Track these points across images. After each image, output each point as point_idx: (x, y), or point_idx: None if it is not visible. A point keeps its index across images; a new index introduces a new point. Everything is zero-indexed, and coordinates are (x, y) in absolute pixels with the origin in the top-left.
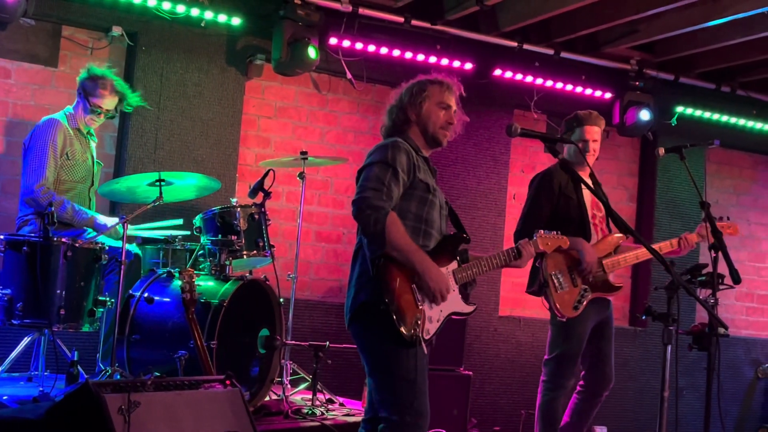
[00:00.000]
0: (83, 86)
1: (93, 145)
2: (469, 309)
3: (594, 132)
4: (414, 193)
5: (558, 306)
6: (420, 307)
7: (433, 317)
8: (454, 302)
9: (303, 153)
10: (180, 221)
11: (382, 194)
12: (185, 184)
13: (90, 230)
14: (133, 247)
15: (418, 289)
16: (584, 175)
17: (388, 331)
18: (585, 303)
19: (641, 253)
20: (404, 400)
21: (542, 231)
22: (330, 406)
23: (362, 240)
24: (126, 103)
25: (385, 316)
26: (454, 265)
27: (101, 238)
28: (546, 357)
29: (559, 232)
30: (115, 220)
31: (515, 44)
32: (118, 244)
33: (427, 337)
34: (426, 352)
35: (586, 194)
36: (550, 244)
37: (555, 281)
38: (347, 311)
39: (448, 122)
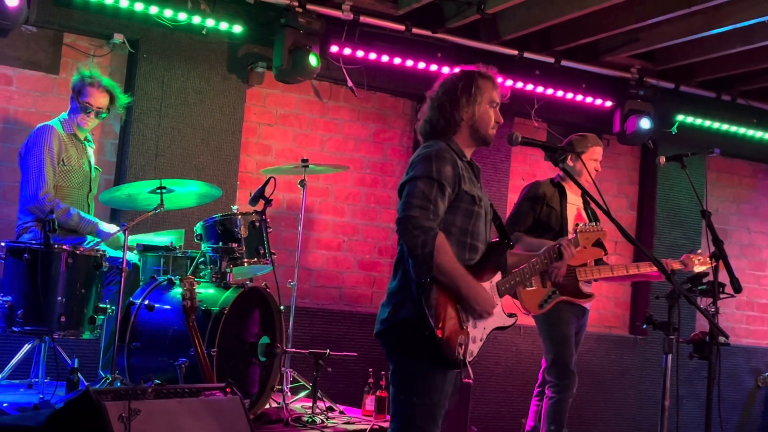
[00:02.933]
0: (73, 87)
1: (90, 151)
2: (510, 322)
3: (597, 152)
4: (459, 206)
5: (524, 302)
6: (465, 329)
7: (476, 337)
8: (497, 317)
9: (304, 160)
10: (182, 231)
11: (429, 213)
12: (186, 192)
13: (91, 237)
14: (133, 257)
15: (462, 310)
16: (575, 191)
17: (428, 352)
18: (553, 303)
19: (616, 268)
20: (416, 421)
21: (581, 225)
22: (330, 414)
23: (405, 254)
24: (118, 104)
25: (429, 339)
26: (497, 276)
27: (102, 245)
28: (545, 366)
29: (599, 224)
30: (117, 227)
31: (516, 52)
32: (119, 253)
33: (470, 359)
34: (471, 374)
35: (571, 209)
36: (590, 238)
37: None
38: (381, 322)
39: (497, 121)
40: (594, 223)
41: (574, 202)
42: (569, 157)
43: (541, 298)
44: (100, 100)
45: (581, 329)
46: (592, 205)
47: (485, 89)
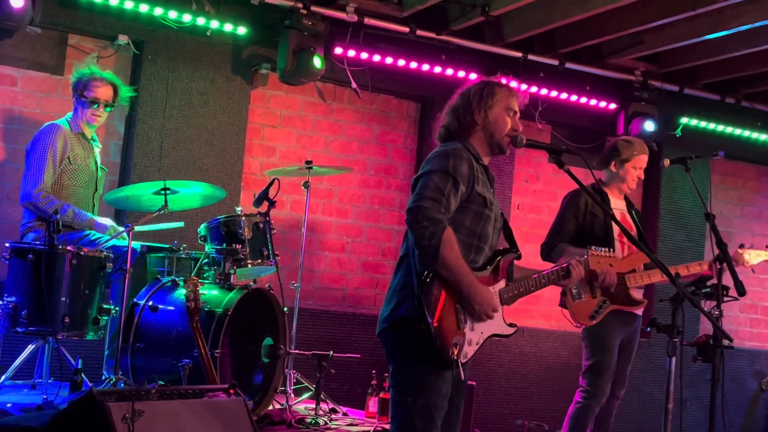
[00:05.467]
0: (76, 87)
1: (97, 150)
2: (509, 331)
3: (643, 161)
4: (470, 207)
5: (574, 314)
6: (462, 330)
7: (473, 340)
8: (496, 323)
9: (308, 162)
10: (181, 224)
11: (441, 206)
12: (190, 193)
13: (94, 234)
14: (137, 245)
15: (462, 310)
16: (617, 195)
17: (425, 351)
18: (604, 313)
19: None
20: (415, 421)
21: (593, 248)
22: (333, 416)
23: (409, 249)
24: (122, 96)
25: (424, 336)
26: (501, 283)
27: (111, 243)
28: (583, 369)
29: (610, 250)
30: (111, 221)
31: (520, 54)
32: (124, 242)
33: (464, 361)
34: (463, 376)
35: (617, 212)
36: (601, 263)
37: (572, 291)
38: (382, 320)
39: (514, 129)
40: (608, 249)
41: (617, 206)
42: (613, 163)
43: (591, 309)
44: (105, 92)
45: (633, 337)
46: (618, 213)
47: (500, 95)
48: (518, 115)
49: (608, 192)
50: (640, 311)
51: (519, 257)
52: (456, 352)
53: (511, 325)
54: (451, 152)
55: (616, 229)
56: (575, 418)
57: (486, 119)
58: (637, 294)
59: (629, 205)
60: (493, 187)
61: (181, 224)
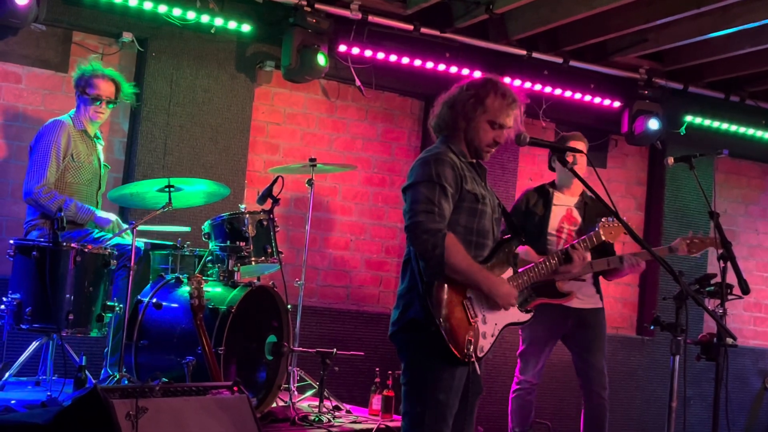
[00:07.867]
0: (78, 84)
1: (100, 147)
2: (525, 317)
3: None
4: (462, 206)
5: None
6: (473, 324)
7: (487, 332)
8: (511, 312)
9: (311, 160)
10: (188, 229)
11: (435, 215)
12: (194, 190)
13: (97, 231)
14: (141, 244)
15: (470, 305)
16: (571, 192)
17: (436, 349)
18: (532, 305)
19: (596, 264)
20: (426, 418)
21: (605, 219)
22: (337, 413)
23: (412, 254)
24: (124, 93)
25: (436, 336)
26: (509, 272)
27: (115, 241)
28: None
29: (612, 220)
30: (114, 216)
31: (524, 52)
32: (127, 241)
33: (480, 355)
34: (479, 371)
35: (559, 211)
36: (613, 234)
37: None
38: (393, 323)
39: (496, 141)
40: (611, 219)
41: (565, 203)
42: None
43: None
44: (107, 89)
45: (579, 331)
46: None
47: (490, 108)
48: (507, 127)
49: (555, 190)
50: (575, 303)
51: (523, 242)
52: (471, 348)
53: (527, 311)
54: (432, 159)
55: (553, 225)
56: (513, 408)
57: (467, 127)
58: (564, 286)
59: (585, 204)
60: (485, 180)
61: (188, 229)
